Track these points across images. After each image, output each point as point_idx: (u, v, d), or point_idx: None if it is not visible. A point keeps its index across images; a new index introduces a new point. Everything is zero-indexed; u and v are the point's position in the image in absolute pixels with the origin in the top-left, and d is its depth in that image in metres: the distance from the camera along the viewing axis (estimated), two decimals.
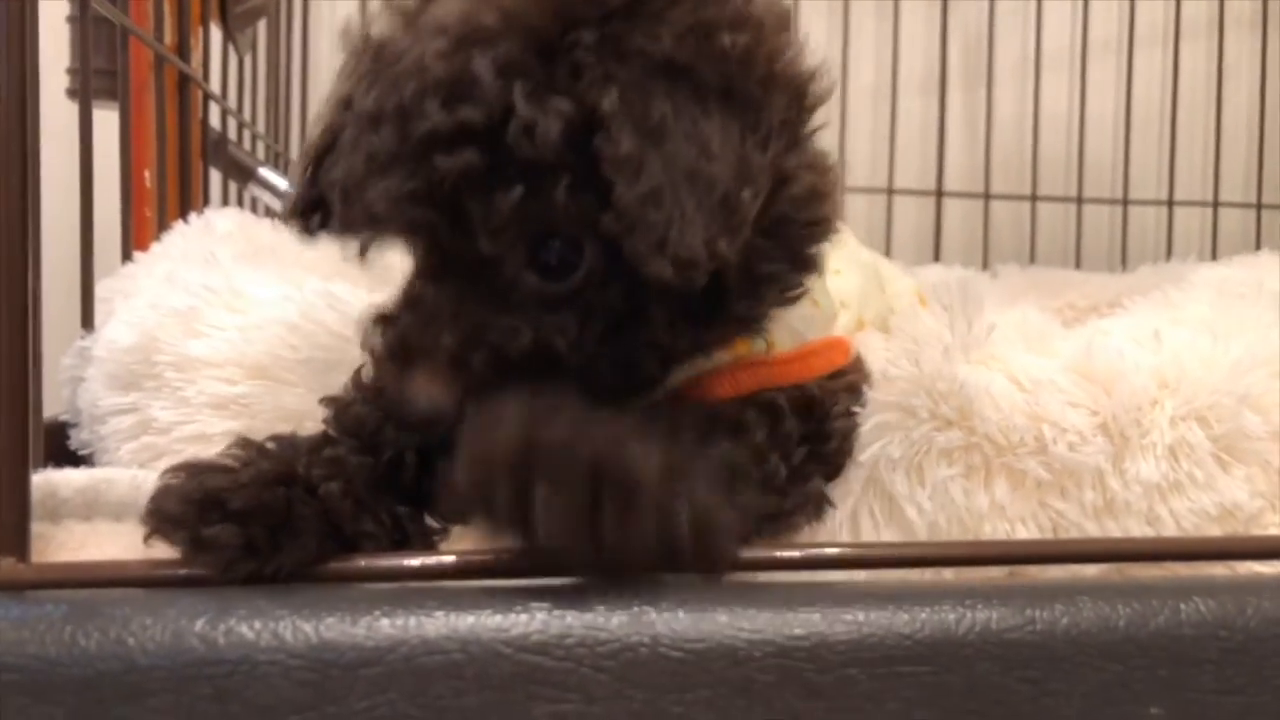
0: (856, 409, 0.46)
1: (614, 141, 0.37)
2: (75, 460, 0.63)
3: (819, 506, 0.45)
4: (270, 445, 0.42)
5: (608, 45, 0.39)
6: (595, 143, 0.38)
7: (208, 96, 0.94)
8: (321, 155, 0.45)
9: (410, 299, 0.44)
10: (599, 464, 0.34)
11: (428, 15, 0.41)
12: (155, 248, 0.73)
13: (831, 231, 0.46)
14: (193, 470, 0.39)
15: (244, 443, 0.42)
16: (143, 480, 0.40)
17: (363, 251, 0.44)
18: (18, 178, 0.37)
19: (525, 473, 0.33)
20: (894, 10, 1.36)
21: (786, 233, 0.44)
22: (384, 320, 0.44)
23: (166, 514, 0.37)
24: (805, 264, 0.45)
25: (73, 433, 0.64)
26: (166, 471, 0.39)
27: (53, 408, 0.67)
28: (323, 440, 0.43)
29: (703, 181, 0.37)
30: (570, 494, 0.33)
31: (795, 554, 0.38)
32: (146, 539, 0.37)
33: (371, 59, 0.42)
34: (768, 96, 0.40)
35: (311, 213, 0.46)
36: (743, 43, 0.40)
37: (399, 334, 0.42)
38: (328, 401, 0.46)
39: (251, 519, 0.37)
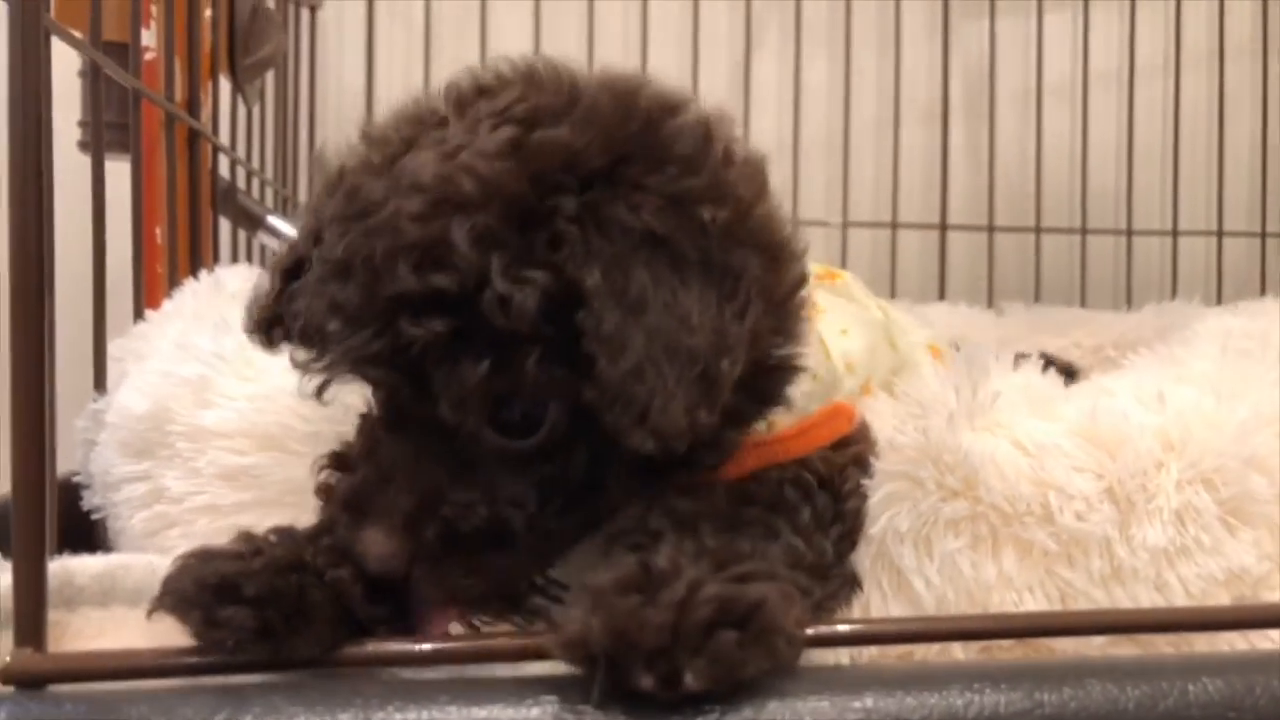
0: (865, 481, 0.46)
1: (597, 319, 0.37)
2: (87, 523, 0.64)
3: (853, 588, 0.45)
4: (273, 537, 0.42)
5: (588, 215, 0.39)
6: (577, 318, 0.38)
7: (217, 149, 0.95)
8: (286, 275, 0.44)
9: (367, 448, 0.43)
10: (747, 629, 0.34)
11: (403, 166, 0.40)
12: (166, 305, 0.74)
13: (799, 370, 0.46)
14: (205, 556, 0.39)
15: (247, 536, 0.42)
16: (159, 566, 0.40)
17: (319, 393, 0.43)
18: (34, 244, 0.37)
19: (671, 654, 0.33)
20: (895, 42, 1.37)
21: (756, 383, 0.44)
22: (340, 464, 0.45)
23: (182, 594, 0.38)
24: (773, 400, 0.46)
25: (85, 494, 0.64)
26: (179, 556, 0.39)
27: (64, 465, 0.68)
28: (322, 528, 0.43)
29: (683, 355, 0.37)
30: (720, 667, 0.33)
31: (809, 632, 0.39)
32: (151, 613, 0.37)
33: (344, 200, 0.41)
34: (745, 265, 0.40)
35: (273, 327, 0.45)
36: (722, 217, 0.40)
37: (354, 486, 0.42)
38: (321, 490, 0.46)
39: (266, 603, 0.37)
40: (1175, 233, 1.39)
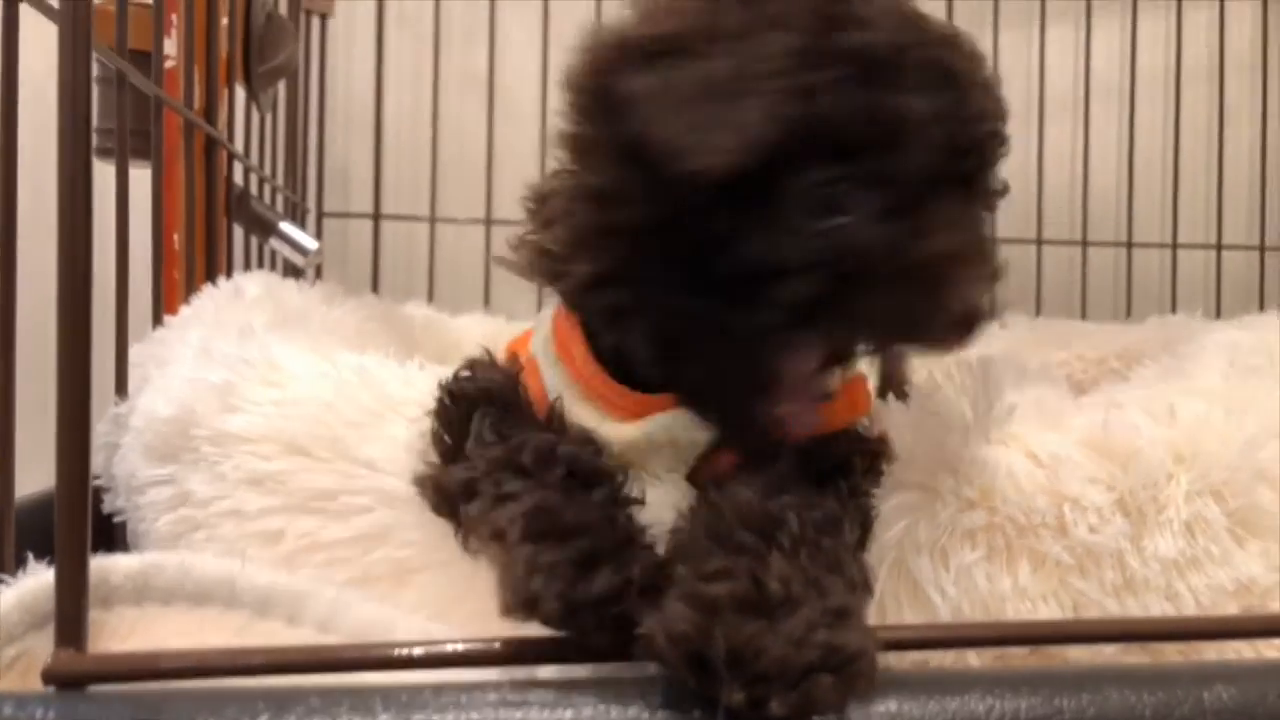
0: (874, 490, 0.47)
1: None
2: (108, 526, 0.64)
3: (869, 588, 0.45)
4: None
5: None
6: None
7: (233, 157, 0.96)
8: None
9: None
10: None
11: None
12: (185, 311, 0.75)
13: None
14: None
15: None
16: (190, 564, 0.41)
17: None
18: (82, 252, 0.37)
19: (770, 684, 0.35)
20: None
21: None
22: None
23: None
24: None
25: (106, 497, 0.65)
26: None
27: None
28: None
29: None
30: (808, 703, 0.35)
31: None
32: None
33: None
34: None
35: None
36: None
37: None
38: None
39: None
40: (1175, 245, 1.40)
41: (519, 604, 0.39)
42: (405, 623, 0.42)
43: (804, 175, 0.43)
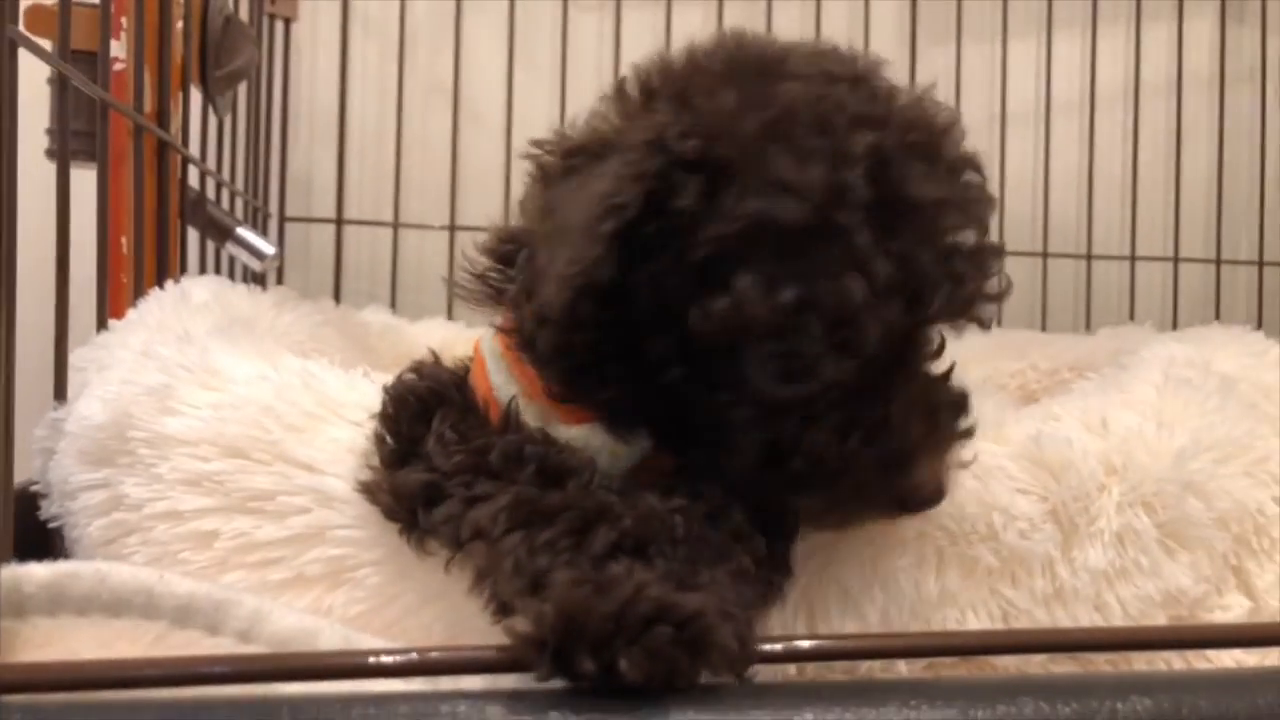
0: None
1: None
2: (45, 533, 0.63)
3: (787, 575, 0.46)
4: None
5: None
6: None
7: (187, 160, 0.95)
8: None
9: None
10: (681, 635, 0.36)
11: None
12: (131, 315, 0.74)
13: None
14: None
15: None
16: (106, 573, 0.41)
17: None
18: (6, 255, 0.37)
19: (612, 643, 0.35)
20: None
21: None
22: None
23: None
24: None
25: (43, 504, 0.64)
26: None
27: (23, 475, 0.67)
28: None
29: None
30: (656, 663, 0.35)
31: (778, 648, 0.40)
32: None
33: None
34: None
35: None
36: None
37: None
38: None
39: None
40: (1134, 258, 1.42)
41: (522, 589, 0.39)
42: (329, 632, 0.42)
43: (767, 340, 0.42)
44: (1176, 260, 1.43)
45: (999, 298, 0.46)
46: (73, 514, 0.59)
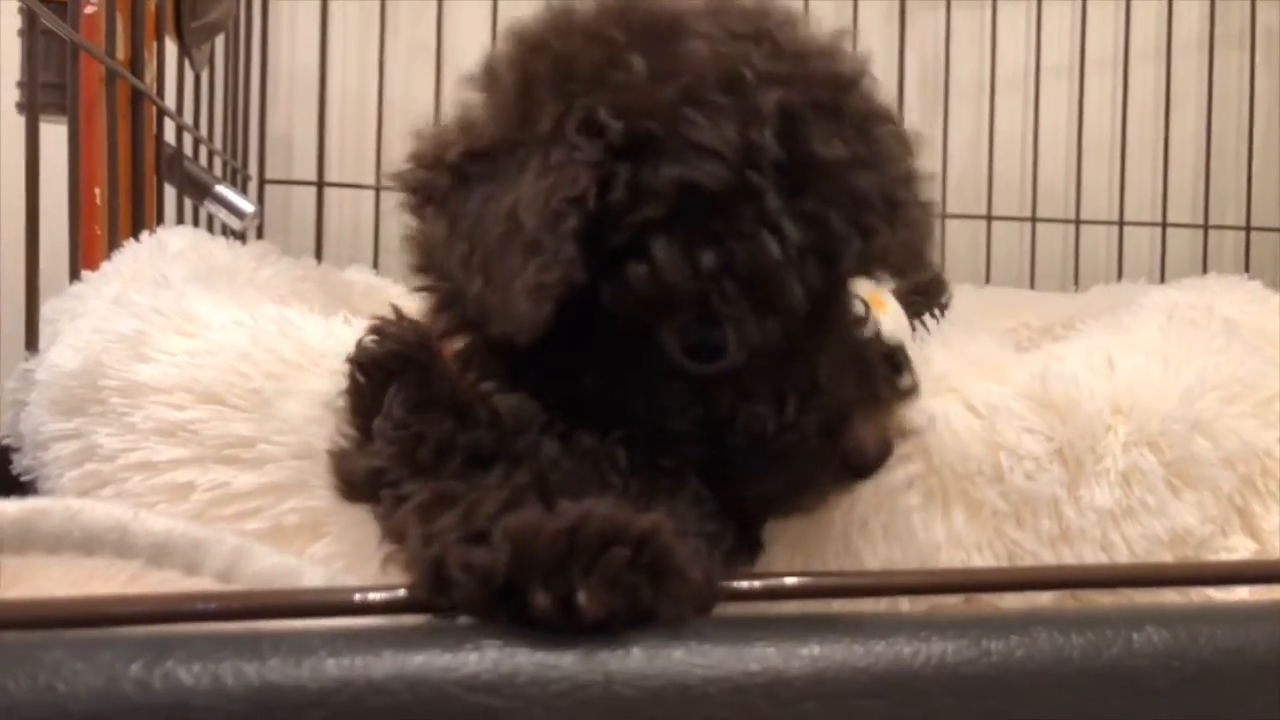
0: None
1: None
2: (19, 486, 0.61)
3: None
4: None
5: None
6: None
7: (162, 112, 0.92)
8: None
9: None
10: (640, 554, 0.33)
11: None
12: (105, 267, 0.72)
13: None
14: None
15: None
16: (77, 510, 0.39)
17: None
18: None
19: (567, 572, 0.33)
20: (853, 29, 1.37)
21: None
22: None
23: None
24: None
25: (15, 458, 0.62)
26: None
27: None
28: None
29: None
30: (616, 592, 0.33)
31: (755, 584, 0.38)
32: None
33: None
34: None
35: None
36: None
37: None
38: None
39: None
40: (1122, 223, 1.41)
41: (424, 579, 0.35)
42: (311, 572, 0.40)
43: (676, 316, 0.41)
44: (1165, 225, 1.42)
45: (917, 249, 0.45)
46: (45, 465, 0.56)
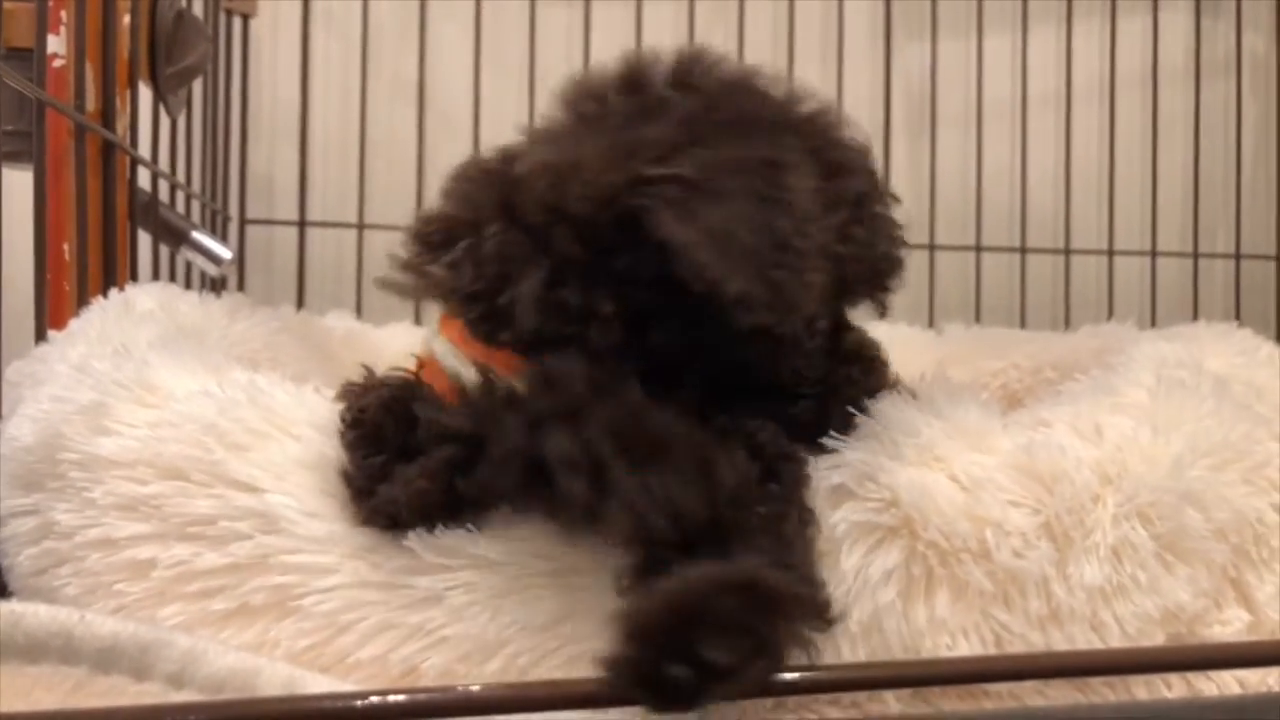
0: None
1: None
2: None
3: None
4: None
5: None
6: None
7: (136, 161, 0.91)
8: None
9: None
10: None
11: None
12: (72, 326, 0.70)
13: None
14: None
15: None
16: (20, 615, 0.37)
17: None
18: None
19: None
20: (838, 62, 1.37)
21: None
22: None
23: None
24: None
25: None
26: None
27: None
28: None
29: None
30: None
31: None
32: None
33: None
34: None
35: None
36: None
37: None
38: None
39: None
40: (1111, 252, 1.40)
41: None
42: (270, 670, 0.38)
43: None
44: (1154, 254, 1.41)
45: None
46: (3, 542, 0.55)
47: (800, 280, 0.43)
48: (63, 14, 0.78)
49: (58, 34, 0.77)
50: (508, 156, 0.51)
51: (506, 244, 0.47)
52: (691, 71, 0.51)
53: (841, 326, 0.54)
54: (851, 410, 0.49)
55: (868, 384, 0.52)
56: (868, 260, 0.50)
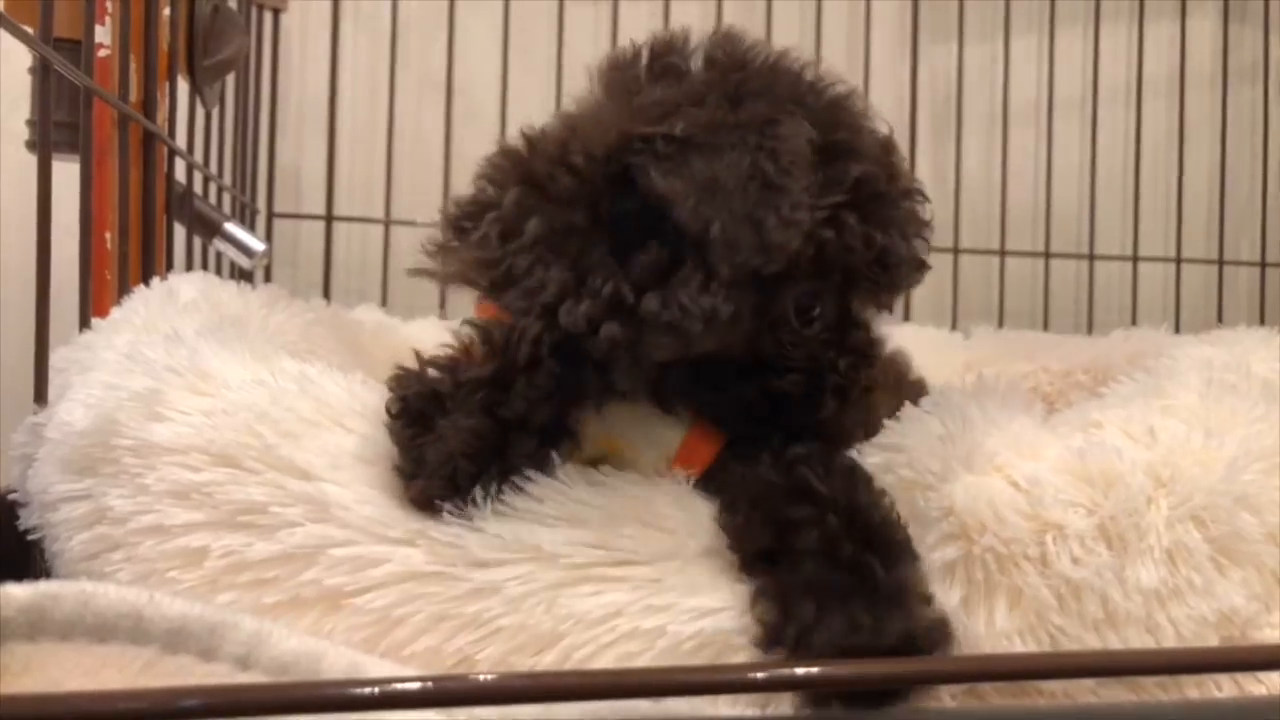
0: None
1: None
2: (24, 544, 0.60)
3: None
4: None
5: None
6: None
7: (174, 153, 0.91)
8: None
9: None
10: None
11: None
12: (115, 314, 0.70)
13: None
14: None
15: None
16: (90, 595, 0.37)
17: None
18: None
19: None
20: (864, 66, 1.37)
21: None
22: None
23: None
24: None
25: (22, 514, 0.60)
26: None
27: (0, 481, 0.64)
28: None
29: None
30: None
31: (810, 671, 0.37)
32: None
33: None
34: None
35: None
36: None
37: None
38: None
39: None
40: (1136, 258, 1.40)
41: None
42: (334, 655, 0.38)
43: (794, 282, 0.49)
44: (1179, 260, 1.41)
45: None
46: (53, 526, 0.55)
47: (781, 218, 0.44)
48: (108, 4, 0.78)
49: (103, 24, 0.78)
50: (532, 138, 0.53)
51: (519, 202, 0.50)
52: (721, 48, 0.52)
53: (849, 323, 0.53)
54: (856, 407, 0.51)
55: (853, 376, 0.51)
56: (858, 252, 0.49)
